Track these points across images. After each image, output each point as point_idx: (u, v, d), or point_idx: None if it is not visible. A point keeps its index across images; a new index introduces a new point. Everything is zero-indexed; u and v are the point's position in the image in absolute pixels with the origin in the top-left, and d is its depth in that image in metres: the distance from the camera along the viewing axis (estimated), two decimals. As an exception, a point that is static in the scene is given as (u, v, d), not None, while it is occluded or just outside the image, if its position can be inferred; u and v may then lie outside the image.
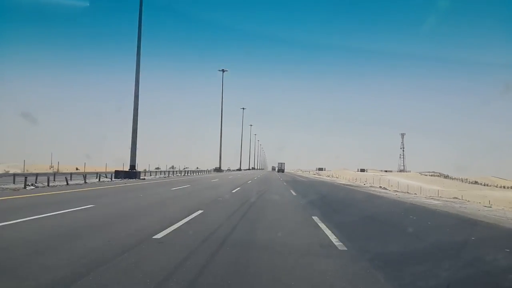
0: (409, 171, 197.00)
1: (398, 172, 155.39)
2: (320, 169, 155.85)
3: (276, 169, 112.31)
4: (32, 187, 15.59)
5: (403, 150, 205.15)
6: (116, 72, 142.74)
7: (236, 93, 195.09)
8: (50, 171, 30.24)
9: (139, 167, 30.64)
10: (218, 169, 62.76)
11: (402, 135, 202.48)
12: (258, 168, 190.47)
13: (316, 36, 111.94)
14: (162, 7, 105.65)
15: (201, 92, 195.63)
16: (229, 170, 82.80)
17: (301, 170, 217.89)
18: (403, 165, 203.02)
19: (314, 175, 75.65)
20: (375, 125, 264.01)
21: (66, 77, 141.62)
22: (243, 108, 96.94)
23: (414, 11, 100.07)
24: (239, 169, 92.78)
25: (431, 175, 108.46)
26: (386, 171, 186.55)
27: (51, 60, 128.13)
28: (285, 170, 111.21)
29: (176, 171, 43.63)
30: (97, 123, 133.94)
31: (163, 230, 6.60)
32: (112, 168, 30.23)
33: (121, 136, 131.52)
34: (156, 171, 37.79)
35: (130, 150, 28.42)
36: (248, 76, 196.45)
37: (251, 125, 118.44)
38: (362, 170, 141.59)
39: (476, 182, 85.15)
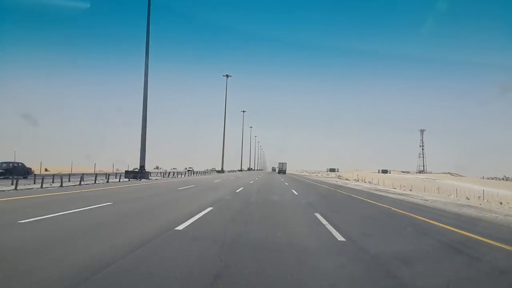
0: (431, 172, 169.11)
1: (437, 174, 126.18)
2: (332, 170, 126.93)
3: (277, 169, 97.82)
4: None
5: (422, 149, 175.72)
6: (116, 74, 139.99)
7: (235, 93, 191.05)
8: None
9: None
10: (136, 172, 29.02)
11: (422, 131, 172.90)
12: (257, 169, 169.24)
13: (319, 37, 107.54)
14: (162, 8, 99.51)
15: (201, 93, 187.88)
16: (189, 170, 55.63)
17: (306, 171, 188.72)
18: (423, 165, 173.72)
19: (346, 182, 46.94)
20: (378, 125, 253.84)
21: (65, 77, 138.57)
22: (227, 74, 71.22)
23: (415, 13, 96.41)
24: (220, 171, 63.06)
25: (491, 179, 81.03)
26: (402, 172, 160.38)
27: (51, 61, 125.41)
28: (286, 171, 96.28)
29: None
30: (96, 124, 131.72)
31: None
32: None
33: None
34: None
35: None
36: (248, 76, 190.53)
37: (243, 111, 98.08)
38: (385, 172, 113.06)
39: None
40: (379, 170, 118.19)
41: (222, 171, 63.91)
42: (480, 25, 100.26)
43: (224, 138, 69.51)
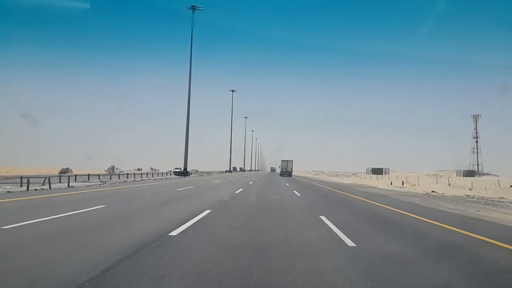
0: (490, 173, 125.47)
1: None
2: (377, 171, 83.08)
3: (280, 170, 74.17)
4: None
5: (476, 142, 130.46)
6: (115, 73, 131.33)
7: (235, 94, 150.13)
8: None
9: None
10: None
11: (475, 117, 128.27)
12: (254, 169, 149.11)
13: (321, 38, 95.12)
14: (161, 7, 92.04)
15: (199, 91, 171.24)
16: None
17: (322, 172, 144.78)
18: (478, 163, 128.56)
19: None
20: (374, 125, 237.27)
21: (65, 78, 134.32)
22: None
23: (414, 13, 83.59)
24: None
25: None
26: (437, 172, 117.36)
27: (50, 61, 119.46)
28: (292, 173, 72.92)
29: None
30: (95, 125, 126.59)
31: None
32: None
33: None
34: None
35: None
36: (247, 76, 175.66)
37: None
38: (471, 174, 69.25)
39: None
40: (457, 172, 74.29)
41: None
42: (478, 25, 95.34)
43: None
